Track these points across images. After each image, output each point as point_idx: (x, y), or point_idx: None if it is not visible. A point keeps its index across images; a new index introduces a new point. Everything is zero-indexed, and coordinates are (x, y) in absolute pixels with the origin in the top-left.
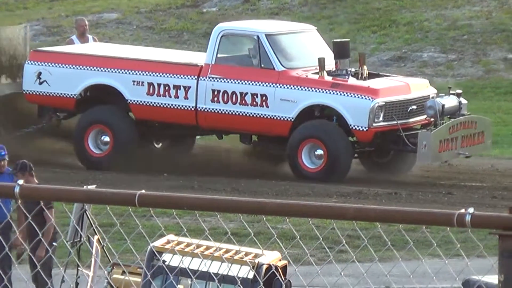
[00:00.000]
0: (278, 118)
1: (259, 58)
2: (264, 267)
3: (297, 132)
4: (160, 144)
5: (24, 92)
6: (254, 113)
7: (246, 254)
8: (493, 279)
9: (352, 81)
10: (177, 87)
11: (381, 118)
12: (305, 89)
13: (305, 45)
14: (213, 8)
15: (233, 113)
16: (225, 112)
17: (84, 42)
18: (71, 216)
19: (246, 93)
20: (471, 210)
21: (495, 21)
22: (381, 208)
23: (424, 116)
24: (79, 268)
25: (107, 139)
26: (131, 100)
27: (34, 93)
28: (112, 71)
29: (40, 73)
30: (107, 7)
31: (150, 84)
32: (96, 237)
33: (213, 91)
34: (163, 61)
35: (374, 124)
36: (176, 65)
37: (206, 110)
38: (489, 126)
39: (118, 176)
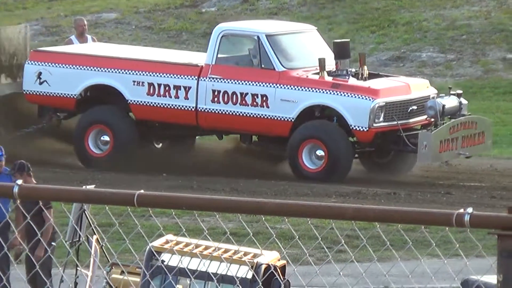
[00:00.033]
0: (279, 118)
1: (260, 58)
2: (263, 267)
3: (297, 133)
4: (160, 144)
5: (24, 92)
6: (255, 114)
7: (245, 254)
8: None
9: (352, 81)
10: (177, 87)
11: (381, 119)
12: (306, 90)
13: (305, 46)
14: (212, 8)
15: (234, 113)
16: (225, 113)
17: (83, 42)
18: (70, 216)
19: (247, 94)
20: (470, 210)
21: (494, 21)
22: (380, 208)
23: (425, 117)
24: (78, 268)
25: (107, 139)
26: (131, 100)
27: (34, 93)
28: (112, 71)
29: (40, 73)
30: (106, 7)
31: (150, 84)
32: (95, 237)
33: (214, 91)
34: (164, 61)
35: (374, 125)
36: (177, 65)
37: (206, 110)
38: (490, 126)
39: (117, 176)
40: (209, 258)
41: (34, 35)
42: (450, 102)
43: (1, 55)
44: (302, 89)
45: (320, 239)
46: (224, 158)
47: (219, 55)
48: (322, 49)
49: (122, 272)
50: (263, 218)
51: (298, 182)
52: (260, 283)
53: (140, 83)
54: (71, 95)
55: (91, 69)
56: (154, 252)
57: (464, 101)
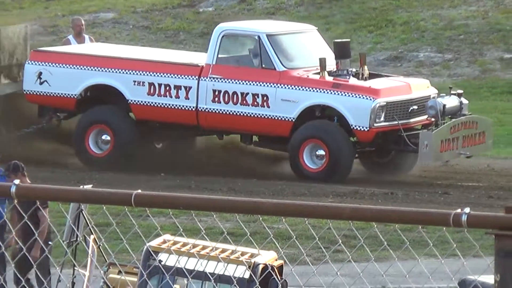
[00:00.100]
0: (279, 118)
1: (260, 58)
2: (260, 266)
3: (298, 133)
4: (161, 144)
5: (24, 92)
6: (255, 113)
7: (242, 253)
8: (489, 279)
9: (353, 81)
10: (178, 87)
11: (382, 118)
12: (306, 89)
13: (306, 45)
14: (210, 8)
15: (234, 113)
16: (226, 112)
17: (81, 41)
18: (68, 216)
19: (247, 93)
20: (467, 210)
21: (491, 21)
22: (377, 208)
23: (425, 116)
24: (75, 268)
25: (107, 139)
26: (131, 100)
27: (34, 93)
28: (112, 71)
29: (40, 73)
30: (104, 7)
31: (150, 84)
32: (92, 236)
33: (214, 91)
34: (164, 61)
35: (375, 124)
36: (177, 65)
37: (207, 110)
38: (490, 126)
39: (114, 176)
40: (206, 258)
41: (31, 35)
42: (450, 102)
43: (1, 55)
44: (303, 89)
45: (317, 239)
46: (222, 158)
47: (220, 55)
48: (322, 49)
49: (120, 272)
50: (261, 218)
51: (296, 182)
52: (258, 283)
53: (141, 83)
54: (72, 95)
55: (92, 69)
56: (152, 252)
57: (464, 101)
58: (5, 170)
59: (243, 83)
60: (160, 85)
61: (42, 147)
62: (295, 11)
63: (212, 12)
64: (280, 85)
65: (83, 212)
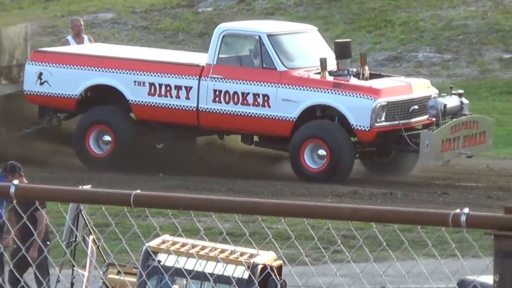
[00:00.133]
0: (280, 118)
1: (261, 58)
2: (259, 267)
3: (299, 132)
4: (162, 144)
5: (25, 93)
6: (256, 113)
7: (241, 254)
8: (488, 279)
9: (354, 81)
10: (178, 87)
11: (383, 118)
12: (307, 89)
13: (306, 45)
14: (209, 8)
15: (235, 113)
16: (226, 112)
17: (80, 42)
18: (67, 216)
19: (248, 93)
20: (466, 210)
21: (491, 21)
22: (376, 208)
23: (426, 116)
24: (74, 268)
25: (108, 139)
26: (132, 101)
27: (35, 93)
28: (113, 72)
29: (41, 74)
30: (103, 7)
31: (151, 84)
32: (91, 237)
33: (215, 91)
34: (165, 61)
35: (376, 124)
36: (178, 65)
37: (207, 110)
38: (491, 126)
39: (114, 176)
40: (205, 258)
41: (30, 35)
42: (451, 101)
43: (1, 55)
44: (304, 89)
45: (316, 239)
46: (221, 158)
47: (220, 55)
48: (323, 49)
49: (119, 272)
50: (260, 218)
51: (295, 182)
52: (257, 284)
53: (141, 83)
54: (72, 95)
55: (92, 69)
56: (151, 252)
57: (465, 101)
58: (2, 170)
59: (243, 83)
60: (160, 85)
61: (43, 147)
62: (294, 11)
63: (211, 12)
64: (281, 85)
65: (82, 212)
